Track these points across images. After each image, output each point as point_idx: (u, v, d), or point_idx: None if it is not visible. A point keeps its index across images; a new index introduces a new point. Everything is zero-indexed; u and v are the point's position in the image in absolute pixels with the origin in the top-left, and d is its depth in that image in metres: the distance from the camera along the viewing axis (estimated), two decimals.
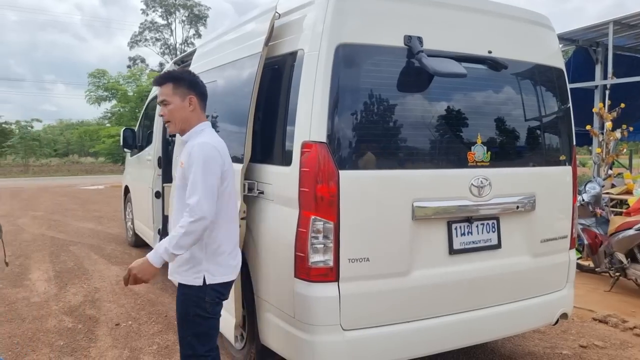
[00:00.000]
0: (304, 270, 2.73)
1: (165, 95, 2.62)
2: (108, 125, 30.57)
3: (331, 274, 2.72)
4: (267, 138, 3.21)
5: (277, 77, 3.17)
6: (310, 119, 2.74)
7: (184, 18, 46.39)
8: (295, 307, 2.79)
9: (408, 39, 2.91)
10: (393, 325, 2.92)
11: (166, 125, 2.71)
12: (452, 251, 3.07)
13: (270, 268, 3.10)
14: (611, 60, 8.66)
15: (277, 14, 3.18)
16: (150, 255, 2.42)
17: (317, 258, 2.70)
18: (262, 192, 3.17)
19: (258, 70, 3.14)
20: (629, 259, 5.50)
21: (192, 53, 5.13)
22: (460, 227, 3.11)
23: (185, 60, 5.78)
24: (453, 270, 3.08)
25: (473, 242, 3.15)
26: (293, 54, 3.02)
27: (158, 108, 6.16)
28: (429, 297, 3.01)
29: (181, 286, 2.58)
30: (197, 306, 2.52)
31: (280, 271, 2.93)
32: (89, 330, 4.51)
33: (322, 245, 2.70)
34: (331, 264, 2.71)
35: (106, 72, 29.34)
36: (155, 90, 6.70)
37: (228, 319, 3.41)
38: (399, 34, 2.92)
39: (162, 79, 2.66)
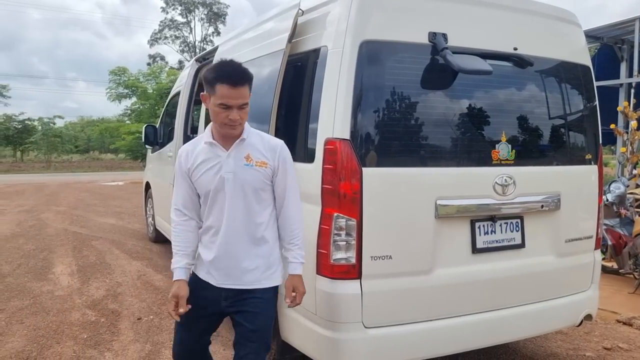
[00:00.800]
0: (326, 267, 2.73)
1: (246, 98, 2.27)
2: (128, 122, 30.90)
3: (353, 272, 2.72)
4: (289, 135, 3.21)
5: (300, 74, 3.18)
6: (333, 116, 2.74)
7: (203, 16, 46.73)
8: (317, 304, 2.80)
9: (433, 35, 2.89)
10: (415, 324, 2.90)
11: (233, 130, 2.31)
12: (475, 250, 3.05)
13: None
14: (637, 58, 8.49)
15: (300, 11, 3.18)
16: (299, 269, 2.46)
17: (340, 255, 2.70)
18: None
19: (281, 67, 3.15)
20: None
21: (214, 50, 5.15)
22: (483, 226, 3.08)
23: (207, 58, 5.81)
24: (476, 269, 3.05)
25: (496, 241, 3.12)
26: (316, 51, 3.01)
27: (180, 104, 6.25)
28: (451, 296, 2.99)
29: (269, 289, 2.45)
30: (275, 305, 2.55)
31: (304, 268, 2.92)
32: (111, 324, 4.58)
33: (345, 243, 2.70)
34: (353, 261, 2.71)
35: (126, 69, 29.66)
36: (178, 87, 6.76)
37: None
38: (424, 30, 2.90)
39: (243, 79, 2.25)
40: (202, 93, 2.36)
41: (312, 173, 2.85)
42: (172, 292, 2.35)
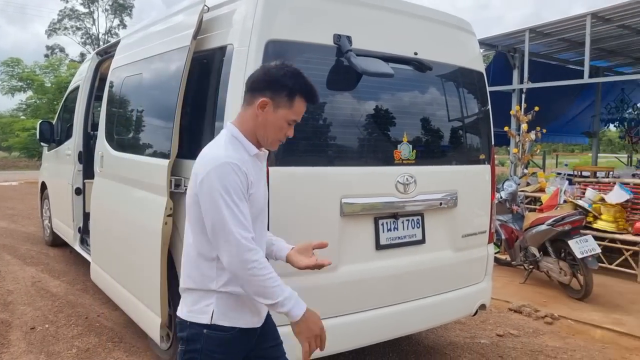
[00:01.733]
0: None
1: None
2: (23, 117, 28.66)
3: None
4: (195, 133, 3.15)
5: (205, 71, 3.12)
6: None
7: (107, 7, 44.35)
8: None
9: (337, 37, 2.95)
10: (323, 320, 2.94)
11: (276, 148, 2.06)
12: (378, 246, 3.15)
13: None
14: (527, 66, 9.20)
15: (205, 7, 3.12)
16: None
17: None
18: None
19: (186, 64, 3.07)
20: (541, 253, 5.89)
21: (117, 44, 4.92)
22: (386, 223, 3.20)
23: (108, 51, 5.54)
24: (379, 266, 3.16)
25: (399, 238, 3.25)
26: (222, 49, 2.97)
27: (79, 100, 5.90)
28: (356, 291, 3.07)
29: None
30: None
31: None
32: (0, 335, 4.23)
33: None
34: None
35: (20, 60, 27.47)
36: (77, 81, 6.38)
37: (153, 319, 3.32)
38: (329, 32, 2.95)
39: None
40: (263, 98, 1.91)
41: None
42: (319, 326, 1.94)
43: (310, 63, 2.96)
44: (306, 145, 2.93)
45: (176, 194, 3.16)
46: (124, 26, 43.63)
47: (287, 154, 2.83)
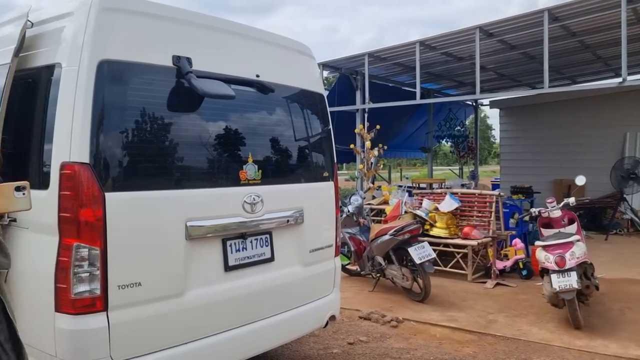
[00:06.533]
0: (66, 303, 2.50)
1: None
2: None
3: (99, 304, 2.54)
4: (19, 158, 2.87)
5: (31, 91, 2.87)
6: (70, 138, 2.54)
7: None
8: (57, 345, 2.54)
9: (177, 59, 2.92)
10: (171, 349, 2.84)
11: None
12: (227, 268, 3.14)
13: (28, 305, 2.75)
14: (367, 87, 9.90)
15: (29, 23, 2.89)
16: None
17: (82, 288, 2.50)
18: (14, 220, 2.81)
19: (7, 83, 2.80)
20: (386, 261, 6.32)
21: None
22: (235, 244, 3.20)
23: None
24: (229, 287, 3.15)
25: (248, 257, 3.28)
26: (50, 68, 2.77)
27: None
28: (206, 315, 3.02)
29: None
30: None
31: (40, 307, 2.63)
32: None
33: (88, 274, 2.51)
34: (98, 292, 2.53)
35: None
36: None
37: None
38: (168, 53, 2.91)
39: None
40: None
41: (47, 200, 2.59)
42: None
43: (151, 84, 2.90)
44: (147, 169, 2.83)
45: None
46: None
47: (126, 178, 2.72)
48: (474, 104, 15.42)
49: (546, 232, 5.73)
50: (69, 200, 2.52)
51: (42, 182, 2.66)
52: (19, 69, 2.87)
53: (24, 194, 1.74)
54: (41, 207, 2.64)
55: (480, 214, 7.57)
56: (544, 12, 7.71)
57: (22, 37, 2.84)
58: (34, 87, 2.86)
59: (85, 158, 2.53)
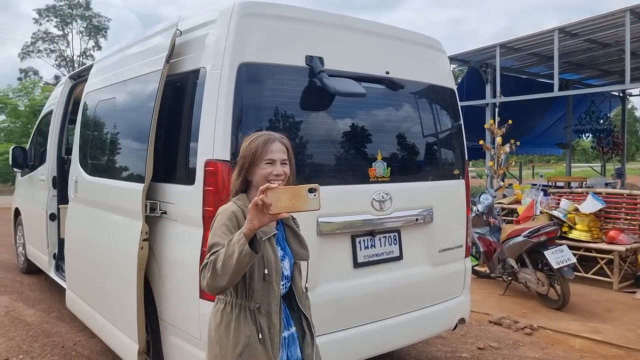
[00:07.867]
0: None
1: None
2: None
3: None
4: (169, 157, 3.14)
5: (179, 94, 3.12)
6: (213, 137, 2.73)
7: (81, 29, 43.98)
8: (202, 329, 2.73)
9: (309, 59, 2.99)
10: None
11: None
12: (356, 264, 3.16)
13: (175, 290, 3.01)
14: (499, 80, 9.40)
15: (178, 32, 3.14)
16: None
17: None
18: (165, 212, 3.08)
19: (159, 87, 3.07)
20: (519, 264, 5.95)
21: (90, 67, 4.90)
22: (364, 241, 3.21)
23: (82, 75, 5.50)
24: (358, 283, 3.17)
25: (376, 255, 3.27)
26: (195, 72, 2.99)
27: (53, 124, 5.84)
28: (335, 310, 3.06)
29: None
30: None
31: (186, 292, 2.86)
32: None
33: None
34: None
35: None
36: (50, 105, 6.31)
37: (130, 345, 3.27)
38: (301, 54, 2.99)
39: None
40: None
41: (192, 195, 2.81)
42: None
43: (285, 84, 3.01)
44: None
45: (151, 218, 3.14)
46: (99, 47, 43.28)
47: None
48: (620, 94, 13.97)
49: None
50: (212, 195, 2.70)
51: (188, 178, 2.88)
52: (168, 75, 3.14)
53: (314, 195, 1.86)
54: (188, 201, 2.87)
55: (629, 217, 6.84)
56: None
57: (172, 45, 3.09)
58: (182, 90, 3.11)
59: (227, 155, 2.69)
